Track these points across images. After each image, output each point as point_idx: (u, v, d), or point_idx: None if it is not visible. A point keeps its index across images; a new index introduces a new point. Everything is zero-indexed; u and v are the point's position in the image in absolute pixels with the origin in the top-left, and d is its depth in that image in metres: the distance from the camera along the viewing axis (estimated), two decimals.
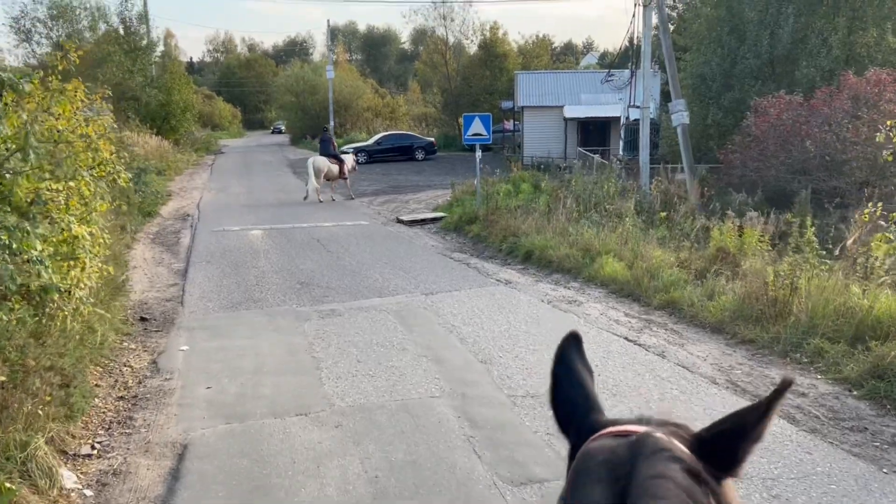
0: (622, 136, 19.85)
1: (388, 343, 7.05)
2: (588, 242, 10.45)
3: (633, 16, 16.97)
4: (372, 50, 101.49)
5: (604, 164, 17.99)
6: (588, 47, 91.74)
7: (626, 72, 20.16)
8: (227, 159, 38.70)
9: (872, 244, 6.91)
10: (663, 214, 13.43)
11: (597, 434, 0.96)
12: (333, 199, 21.11)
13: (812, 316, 6.37)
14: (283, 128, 63.10)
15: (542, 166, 25.32)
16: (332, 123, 43.78)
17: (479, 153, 16.67)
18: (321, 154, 21.38)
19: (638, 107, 18.15)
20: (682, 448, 0.89)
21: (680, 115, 15.43)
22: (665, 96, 20.66)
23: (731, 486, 0.92)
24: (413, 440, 4.79)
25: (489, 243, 13.28)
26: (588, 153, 21.44)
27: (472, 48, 46.23)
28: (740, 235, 9.18)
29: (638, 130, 19.57)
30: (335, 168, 21.19)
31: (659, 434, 0.90)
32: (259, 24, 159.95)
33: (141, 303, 9.44)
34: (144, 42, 35.36)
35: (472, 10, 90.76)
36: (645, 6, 16.49)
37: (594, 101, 29.69)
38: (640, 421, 0.96)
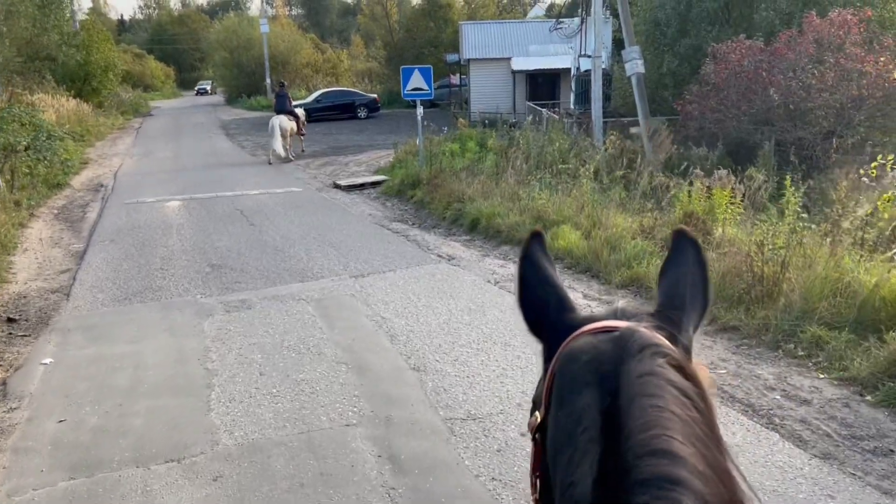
0: (573, 88, 18.66)
1: (303, 345, 5.80)
2: (541, 209, 9.29)
3: None
4: (313, 4, 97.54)
5: (553, 119, 16.82)
6: None
7: (577, 19, 18.87)
8: (155, 122, 36.27)
9: (879, 205, 5.87)
10: (620, 174, 12.35)
11: (575, 332, 0.92)
12: (291, 159, 20.10)
13: (806, 297, 5.34)
14: (208, 88, 59.64)
15: (490, 122, 24.02)
16: (268, 80, 41.51)
17: (420, 110, 15.28)
18: (277, 111, 20.31)
19: (589, 56, 16.95)
20: (665, 341, 0.88)
21: (634, 64, 14.29)
22: (618, 44, 19.48)
23: (701, 366, 0.92)
24: (314, 499, 3.59)
25: (432, 210, 12.03)
26: (537, 108, 20.20)
27: None
28: (709, 197, 8.12)
29: (589, 82, 18.39)
30: (293, 125, 20.41)
31: (642, 328, 0.88)
32: None
33: (18, 297, 7.96)
34: None
35: None
36: None
37: (543, 52, 28.32)
38: (616, 314, 0.94)
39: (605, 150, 14.21)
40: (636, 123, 16.91)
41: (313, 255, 8.92)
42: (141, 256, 9.52)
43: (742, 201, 8.39)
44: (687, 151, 13.18)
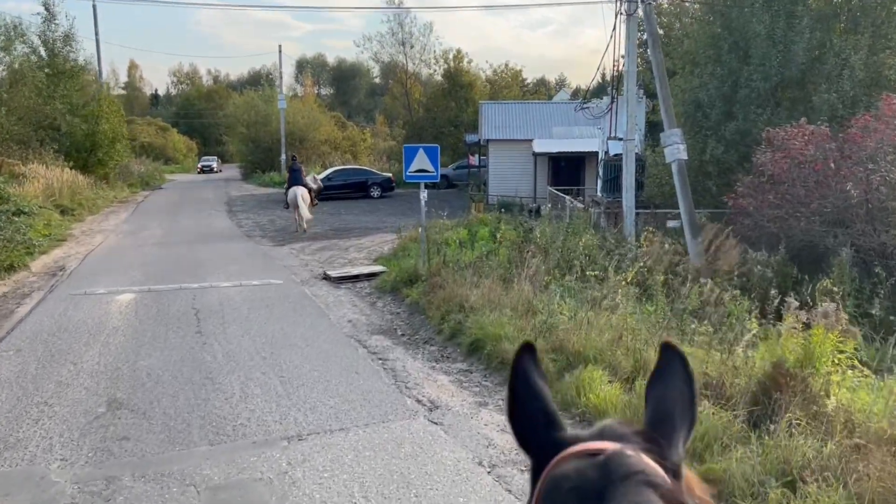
0: (600, 173, 16.56)
1: None
2: (562, 337, 6.89)
3: (614, 28, 13.79)
4: (341, 83, 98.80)
5: (578, 208, 14.62)
6: (561, 84, 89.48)
7: (605, 99, 16.93)
8: (161, 196, 34.83)
9: None
10: (661, 279, 9.99)
11: (561, 454, 0.92)
12: (305, 230, 20.31)
13: None
14: (214, 165, 57.04)
15: (507, 207, 21.96)
16: (283, 156, 40.30)
17: (423, 194, 13.17)
18: (293, 185, 20.50)
19: (620, 139, 14.90)
20: (654, 466, 0.86)
21: (675, 149, 12.15)
22: (651, 128, 17.48)
23: (693, 478, 0.92)
24: None
25: (428, 317, 9.71)
26: (559, 193, 18.09)
27: (438, 78, 43.13)
28: (805, 338, 5.68)
29: (619, 167, 16.29)
30: (308, 197, 20.61)
31: (629, 452, 0.86)
32: (228, 59, 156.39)
33: None
34: (69, 65, 31.56)
35: (433, 37, 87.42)
36: (629, 15, 13.29)
37: (567, 134, 26.53)
38: (602, 435, 0.93)
39: (639, 247, 11.92)
40: (674, 216, 14.66)
41: (249, 393, 6.56)
42: (36, 379, 7.25)
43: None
44: (741, 254, 10.82)
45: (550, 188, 18.16)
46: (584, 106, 16.14)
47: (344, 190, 30.56)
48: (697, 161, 14.54)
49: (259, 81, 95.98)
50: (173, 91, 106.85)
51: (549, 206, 13.61)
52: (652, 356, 6.16)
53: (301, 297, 11.71)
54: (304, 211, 20.24)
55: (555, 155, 25.10)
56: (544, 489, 0.89)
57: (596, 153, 25.18)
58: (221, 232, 21.51)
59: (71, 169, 28.31)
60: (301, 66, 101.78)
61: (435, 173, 12.94)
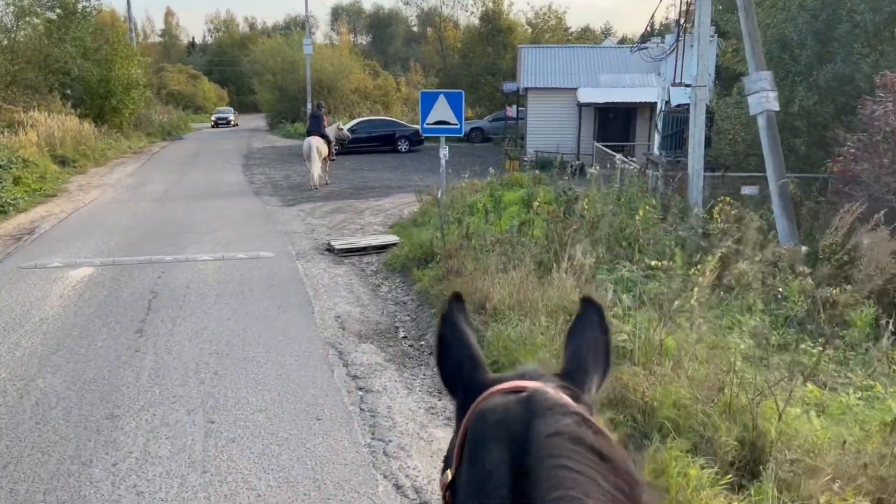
0: (658, 127, 13.92)
1: None
2: (626, 380, 4.55)
3: None
4: (378, 31, 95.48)
5: (631, 170, 12.07)
6: (607, 32, 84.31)
7: (668, 39, 14.14)
8: (178, 147, 32.95)
9: None
10: (750, 270, 7.59)
11: (486, 392, 0.96)
12: (327, 183, 19.16)
13: None
14: (230, 117, 51.47)
15: (547, 166, 19.41)
16: (308, 106, 37.97)
17: (443, 151, 10.80)
18: (310, 132, 18.85)
19: (687, 85, 12.22)
20: (570, 400, 0.92)
21: (763, 98, 9.52)
22: (721, 74, 14.67)
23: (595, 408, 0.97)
24: None
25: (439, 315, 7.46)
26: (608, 151, 15.49)
27: (475, 21, 39.96)
28: None
29: (682, 120, 13.62)
30: (325, 149, 18.82)
31: (549, 388, 0.92)
32: (266, 6, 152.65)
33: None
34: (80, 5, 29.43)
35: None
36: None
37: (616, 82, 23.64)
38: (524, 376, 0.98)
39: (708, 221, 9.46)
40: (750, 182, 12.06)
41: (150, 455, 4.42)
42: None
43: None
44: (849, 235, 8.26)
45: (598, 144, 15.58)
46: (642, 47, 13.43)
47: (369, 143, 28.21)
48: (781, 114, 11.85)
49: (294, 30, 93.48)
50: (209, 39, 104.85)
51: (598, 167, 11.10)
52: (770, 417, 3.83)
53: (290, 277, 9.55)
54: (316, 166, 18.12)
55: (602, 106, 22.29)
56: (471, 422, 0.93)
57: (650, 104, 22.32)
58: (229, 188, 19.47)
59: (79, 117, 26.46)
60: (336, 13, 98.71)
61: (458, 126, 10.55)
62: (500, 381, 0.97)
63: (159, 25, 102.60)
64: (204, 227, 13.41)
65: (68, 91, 28.86)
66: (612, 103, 22.19)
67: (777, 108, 9.40)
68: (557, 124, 23.50)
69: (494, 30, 35.00)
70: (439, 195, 10.88)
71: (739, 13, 9.83)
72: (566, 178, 12.58)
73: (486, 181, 16.56)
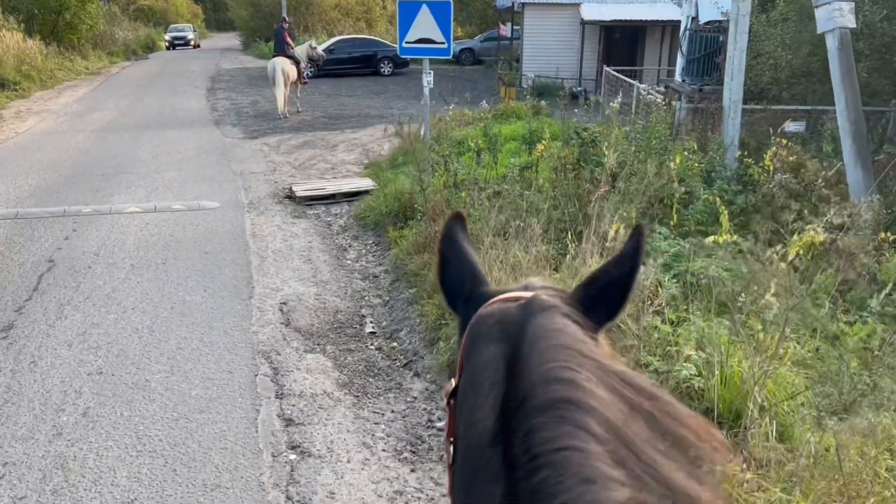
0: (682, 49, 11.74)
1: None
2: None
3: None
4: None
5: (655, 100, 9.99)
6: None
7: None
8: (141, 67, 30.16)
9: None
10: (819, 241, 5.68)
11: (488, 302, 0.96)
12: (299, 111, 17.19)
13: None
14: (189, 36, 45.58)
15: (545, 92, 17.23)
16: (288, 22, 34.95)
17: (428, 78, 8.65)
18: (277, 53, 16.46)
19: None
20: (567, 306, 0.91)
21: (834, 11, 7.43)
22: None
23: (604, 338, 0.94)
24: None
25: (419, 304, 5.59)
26: (624, 78, 13.32)
27: None
28: None
29: (712, 41, 11.46)
30: (294, 71, 16.40)
31: (546, 295, 0.92)
32: None
33: None
34: None
35: None
36: None
37: None
38: (526, 288, 0.97)
39: (756, 167, 7.55)
40: (796, 116, 10.08)
41: None
42: None
43: None
44: None
45: (608, 69, 13.34)
46: None
47: (349, 65, 25.67)
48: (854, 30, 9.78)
49: None
50: None
51: (617, 97, 9.03)
52: None
53: (233, 239, 7.60)
54: (281, 91, 15.88)
55: (609, 24, 19.81)
56: (472, 326, 0.93)
57: (662, 22, 19.92)
58: (186, 116, 17.19)
59: (26, 32, 23.72)
60: None
61: (446, 45, 8.40)
62: (503, 292, 0.97)
63: None
64: (145, 166, 11.34)
65: (13, 2, 25.93)
66: (620, 21, 19.73)
67: (853, 25, 7.32)
68: (557, 45, 21.05)
69: None
70: (422, 133, 8.83)
71: None
72: (577, 109, 10.51)
73: (478, 110, 14.44)
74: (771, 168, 7.38)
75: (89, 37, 30.15)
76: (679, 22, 19.79)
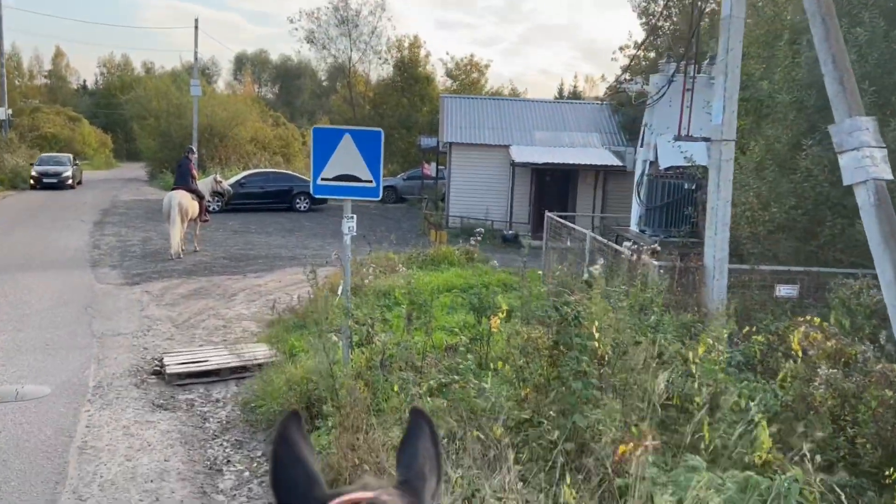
0: (639, 196, 10.32)
1: None
2: None
3: None
4: (286, 82, 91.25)
5: (624, 256, 8.30)
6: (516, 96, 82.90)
7: (656, 79, 10.66)
8: (25, 197, 27.20)
9: None
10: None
11: None
12: (196, 250, 15.10)
13: None
14: (63, 171, 30.72)
15: (472, 234, 15.55)
16: (195, 153, 33.11)
17: (349, 223, 6.59)
18: (176, 185, 14.79)
19: (699, 139, 8.69)
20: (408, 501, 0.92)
21: (864, 157, 5.95)
22: None
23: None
24: None
25: None
26: (566, 223, 11.77)
27: (389, 70, 36.36)
28: None
29: (674, 188, 10.04)
30: (195, 206, 14.57)
31: (387, 497, 0.91)
32: (167, 53, 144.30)
33: None
34: None
35: (385, 19, 76.52)
36: None
37: (554, 141, 20.35)
38: (364, 487, 0.95)
39: (748, 349, 5.73)
40: (787, 278, 8.52)
41: None
42: None
43: None
44: None
45: (550, 214, 11.86)
46: (625, 84, 9.84)
47: (261, 200, 23.70)
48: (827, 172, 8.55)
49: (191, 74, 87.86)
50: (101, 83, 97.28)
51: (600, 260, 7.26)
52: None
53: (45, 457, 5.03)
54: (177, 230, 13.69)
55: (541, 167, 18.81)
56: None
57: (593, 167, 19.07)
58: (59, 255, 14.48)
59: None
60: (240, 61, 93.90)
61: (374, 185, 6.44)
62: (340, 494, 0.93)
63: (47, 66, 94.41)
64: None
65: None
66: (552, 164, 18.78)
67: (890, 177, 5.83)
68: (486, 186, 19.84)
69: (410, 79, 31.57)
70: (343, 299, 6.65)
71: (814, 29, 6.32)
72: (525, 257, 8.66)
73: (403, 253, 12.53)
74: (800, 354, 5.57)
75: None
76: (613, 167, 19.22)
